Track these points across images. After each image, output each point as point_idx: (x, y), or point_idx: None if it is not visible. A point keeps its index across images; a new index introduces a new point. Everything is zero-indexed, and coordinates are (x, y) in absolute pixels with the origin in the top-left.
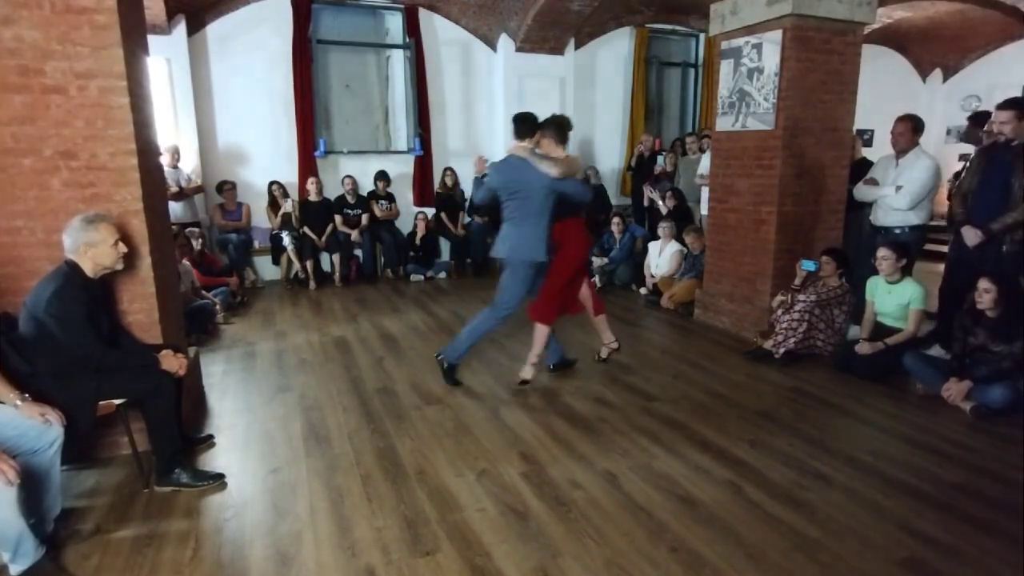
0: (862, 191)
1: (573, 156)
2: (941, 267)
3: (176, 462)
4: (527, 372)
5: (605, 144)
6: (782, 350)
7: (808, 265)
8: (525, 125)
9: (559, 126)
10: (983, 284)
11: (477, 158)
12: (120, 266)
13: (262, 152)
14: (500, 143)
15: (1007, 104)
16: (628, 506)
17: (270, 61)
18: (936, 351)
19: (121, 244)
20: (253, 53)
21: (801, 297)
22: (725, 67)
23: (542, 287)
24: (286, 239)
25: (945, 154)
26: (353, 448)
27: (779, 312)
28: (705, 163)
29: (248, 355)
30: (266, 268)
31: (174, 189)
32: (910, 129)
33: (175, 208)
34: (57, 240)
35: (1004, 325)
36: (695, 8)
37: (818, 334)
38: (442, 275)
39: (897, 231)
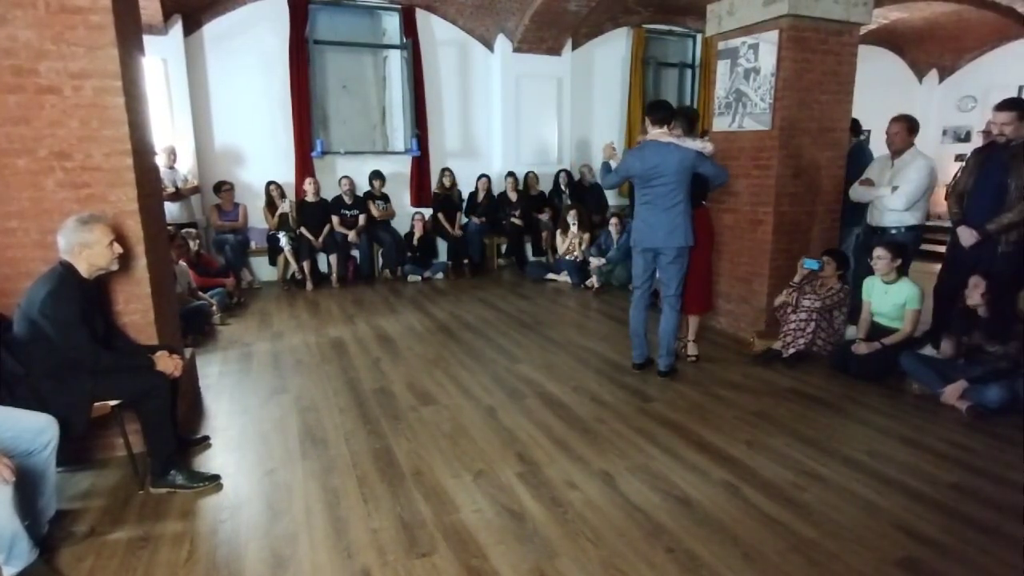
0: (858, 192)
1: (708, 140)
2: (938, 267)
3: (172, 463)
4: (692, 348)
5: (603, 144)
6: (792, 350)
7: (810, 263)
8: (663, 111)
9: (689, 118)
10: (973, 280)
11: (608, 145)
12: (115, 267)
13: (259, 153)
14: (497, 143)
15: (1007, 105)
16: (625, 507)
17: (267, 61)
18: (928, 351)
19: (116, 245)
20: (250, 53)
21: (806, 301)
22: (722, 67)
23: (691, 278)
24: (283, 240)
25: (941, 155)
26: (349, 449)
27: (786, 312)
28: None
29: (244, 356)
30: (263, 269)
31: (170, 190)
32: (905, 129)
33: (171, 209)
34: (51, 241)
35: (996, 324)
36: (692, 9)
37: (820, 332)
38: (439, 276)
39: (893, 231)
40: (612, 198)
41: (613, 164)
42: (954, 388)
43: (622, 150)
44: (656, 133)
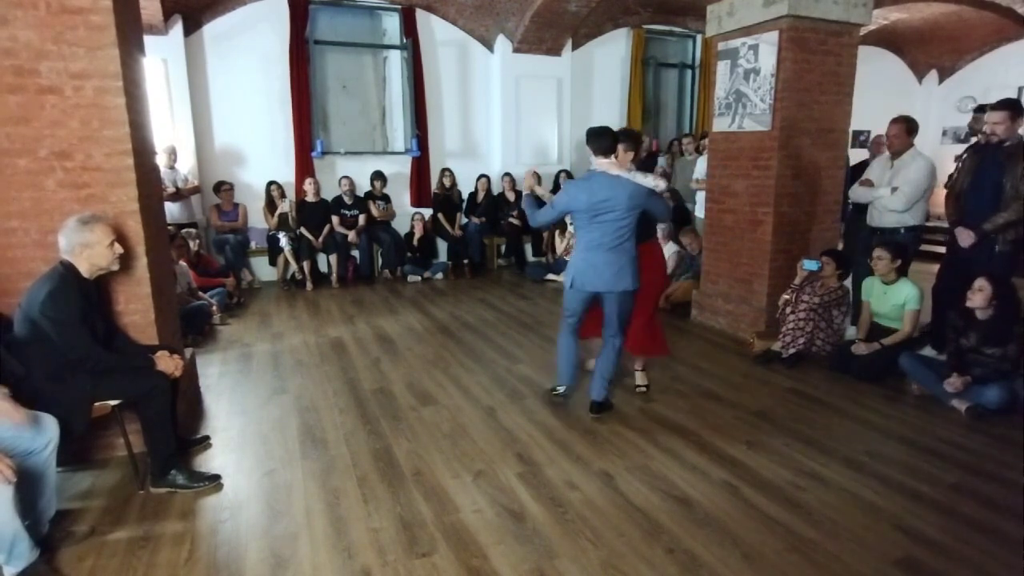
0: (858, 192)
1: (662, 175)
2: (937, 268)
3: (172, 463)
4: (640, 379)
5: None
6: (792, 350)
7: (810, 264)
8: (607, 140)
9: (632, 138)
10: (978, 283)
11: (529, 173)
12: (116, 267)
13: (259, 153)
14: (497, 144)
15: (1000, 105)
16: (624, 507)
17: (267, 62)
18: (928, 351)
19: (117, 245)
20: (250, 54)
21: (805, 298)
22: (722, 68)
23: (637, 317)
24: (283, 240)
25: (941, 155)
26: (349, 449)
27: (786, 311)
28: (701, 167)
29: (244, 356)
30: (263, 269)
31: (170, 190)
32: (904, 130)
33: (172, 209)
34: (52, 241)
35: (996, 328)
36: (692, 9)
37: (819, 332)
38: (439, 276)
39: (892, 232)
40: None
41: (542, 194)
42: (958, 379)
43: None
44: (604, 164)
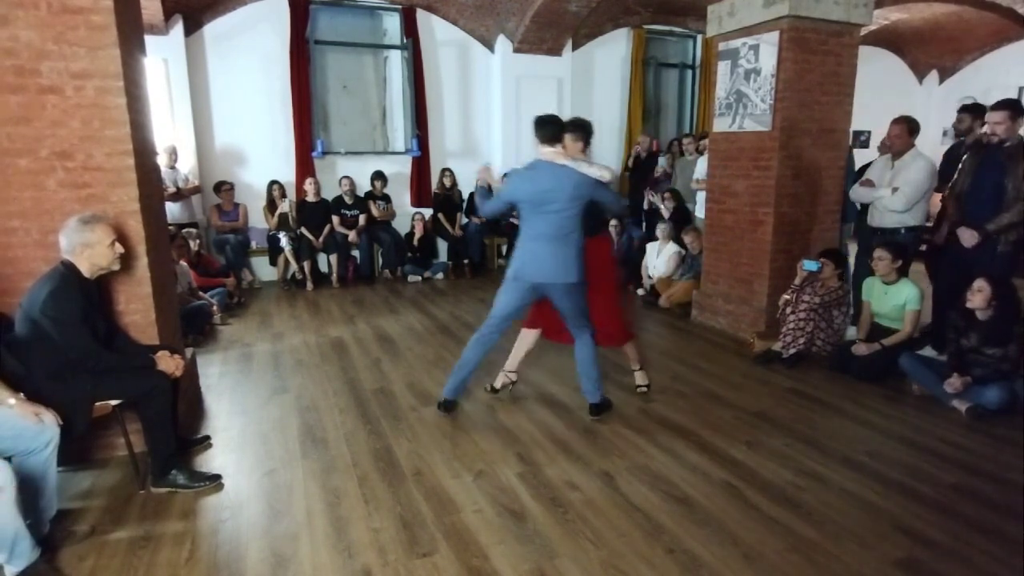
0: (858, 192)
1: (607, 166)
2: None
3: (172, 463)
4: (640, 378)
5: (603, 145)
6: (792, 350)
7: (810, 265)
8: (553, 128)
9: (583, 128)
10: (978, 284)
11: (482, 168)
12: (117, 267)
13: (259, 153)
14: (497, 144)
15: (1000, 105)
16: (625, 507)
17: (267, 62)
18: (928, 352)
19: (118, 245)
20: (250, 53)
21: (805, 298)
22: (722, 68)
23: (596, 311)
24: (283, 240)
25: (941, 156)
26: (350, 449)
27: (786, 312)
28: (701, 167)
29: (245, 356)
30: (263, 269)
31: (171, 190)
32: (905, 131)
33: (172, 209)
34: (53, 240)
35: (997, 328)
36: (692, 9)
37: (819, 333)
38: (439, 276)
39: (893, 232)
40: None
41: (493, 186)
42: (958, 380)
43: (620, 151)
44: (548, 153)
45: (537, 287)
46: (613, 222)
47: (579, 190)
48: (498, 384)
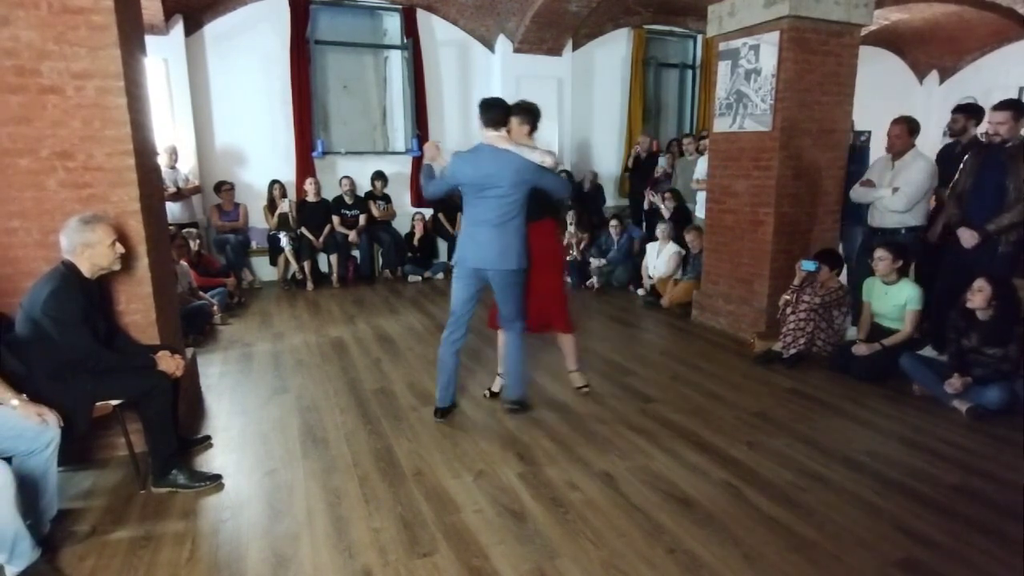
0: (858, 193)
1: (549, 150)
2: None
3: (173, 463)
4: (577, 380)
5: (603, 145)
6: (792, 351)
7: (808, 265)
8: (498, 111)
9: (530, 111)
10: (978, 284)
11: (431, 144)
12: (117, 267)
13: (260, 153)
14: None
15: (1003, 105)
16: (625, 507)
17: (268, 61)
18: (928, 352)
19: (118, 245)
20: (251, 53)
21: (805, 298)
22: (723, 68)
23: (534, 296)
24: (284, 240)
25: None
26: (350, 449)
27: (786, 312)
28: (701, 167)
29: (245, 356)
30: (263, 269)
31: (171, 190)
32: (906, 131)
33: (172, 209)
34: (53, 241)
35: (997, 328)
36: (693, 9)
37: (820, 333)
38: (440, 276)
39: (893, 232)
40: (611, 199)
41: (437, 168)
42: (958, 380)
43: (620, 151)
44: (491, 136)
45: (479, 273)
46: (613, 222)
47: (521, 175)
48: (496, 388)
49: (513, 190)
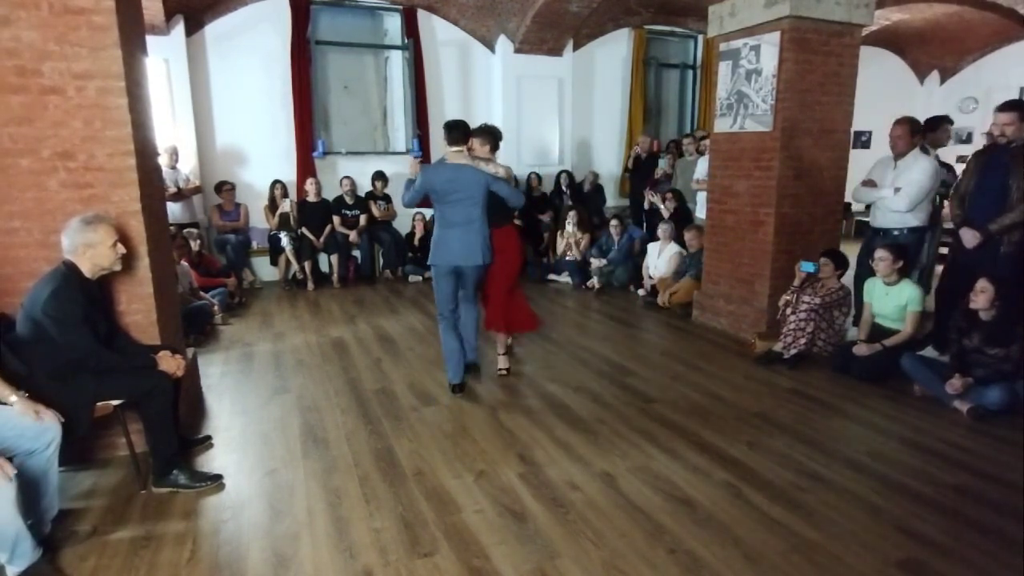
0: (860, 193)
1: (506, 165)
2: (940, 268)
3: (174, 463)
4: (502, 363)
5: (603, 145)
6: (793, 351)
7: (807, 266)
8: (459, 132)
9: (491, 133)
10: (981, 284)
11: (412, 159)
12: (118, 267)
13: (260, 153)
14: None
15: (1008, 106)
16: (626, 507)
17: (269, 62)
18: (930, 352)
19: (119, 245)
20: (252, 54)
21: (805, 298)
22: (723, 68)
23: (491, 292)
24: (284, 240)
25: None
26: (351, 449)
27: (787, 312)
28: (702, 167)
29: (246, 356)
30: (264, 269)
31: (172, 190)
32: (908, 131)
33: (173, 209)
34: (54, 241)
35: (999, 329)
36: (693, 10)
37: (820, 333)
38: None
39: (895, 233)
40: (612, 199)
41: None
42: (959, 380)
43: (620, 151)
44: (451, 153)
45: (455, 270)
46: (614, 222)
47: (479, 183)
48: (505, 364)
49: (472, 194)
